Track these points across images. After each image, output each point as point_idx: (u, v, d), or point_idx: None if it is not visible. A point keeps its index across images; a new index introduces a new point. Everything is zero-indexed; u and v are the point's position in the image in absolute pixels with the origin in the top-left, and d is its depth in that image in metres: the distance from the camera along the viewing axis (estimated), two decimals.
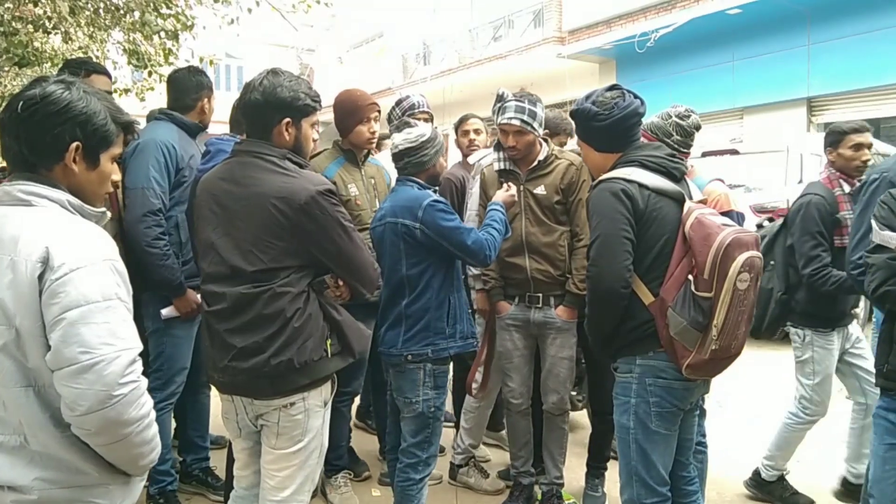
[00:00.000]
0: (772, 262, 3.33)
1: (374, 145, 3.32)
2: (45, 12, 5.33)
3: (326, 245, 2.07)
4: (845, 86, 9.45)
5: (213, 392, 2.76)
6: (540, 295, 3.12)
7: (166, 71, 5.24)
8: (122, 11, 5.58)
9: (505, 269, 3.18)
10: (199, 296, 2.71)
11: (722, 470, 3.59)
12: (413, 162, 2.70)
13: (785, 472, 3.41)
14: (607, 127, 2.28)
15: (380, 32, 19.22)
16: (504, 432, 3.80)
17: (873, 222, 2.18)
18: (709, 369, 2.19)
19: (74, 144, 1.48)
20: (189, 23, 5.95)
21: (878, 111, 9.62)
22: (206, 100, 3.28)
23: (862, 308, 5.66)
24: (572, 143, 3.63)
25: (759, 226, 5.97)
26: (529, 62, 13.54)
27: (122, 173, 2.73)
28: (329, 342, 2.11)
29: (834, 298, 3.15)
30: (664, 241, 2.20)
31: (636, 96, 2.32)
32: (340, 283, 2.23)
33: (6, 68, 7.11)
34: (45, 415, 1.41)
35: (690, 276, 2.13)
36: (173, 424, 3.50)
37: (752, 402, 4.85)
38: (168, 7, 5.63)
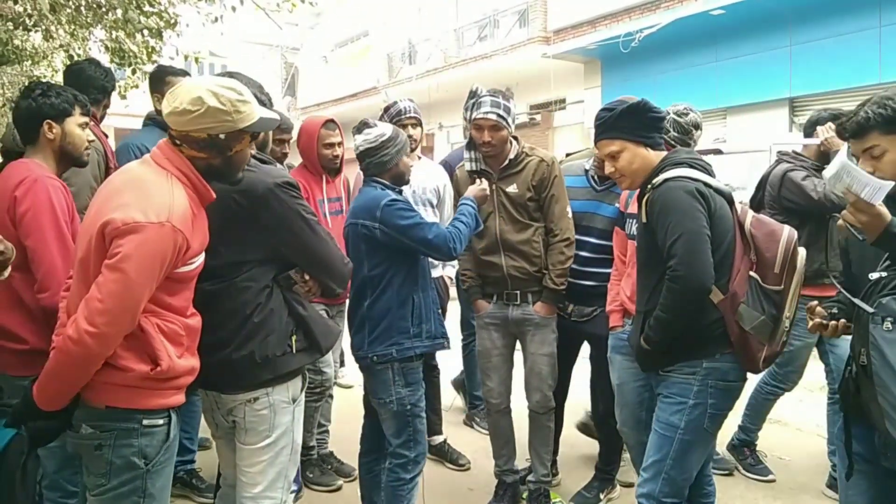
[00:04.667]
0: None
1: None
2: (25, 9, 5.27)
3: (287, 237, 2.08)
4: (826, 86, 9.53)
5: None
6: (517, 292, 3.13)
7: (150, 69, 5.20)
8: (104, 9, 5.52)
9: (481, 267, 3.19)
10: None
11: None
12: (374, 162, 2.67)
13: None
14: (662, 120, 2.38)
15: (365, 31, 19.14)
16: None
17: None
18: (774, 361, 2.31)
19: None
20: (172, 21, 5.90)
21: None
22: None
23: None
24: None
25: None
26: (514, 62, 13.54)
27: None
28: (294, 338, 2.11)
29: None
30: (729, 239, 2.24)
31: None
32: (307, 277, 2.22)
33: None
34: None
35: (752, 273, 2.23)
36: None
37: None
38: (151, 5, 5.58)
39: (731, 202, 2.31)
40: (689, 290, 2.14)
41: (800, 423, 4.42)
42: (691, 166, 2.27)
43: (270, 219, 2.04)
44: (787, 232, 2.24)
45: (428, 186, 3.74)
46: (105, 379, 1.76)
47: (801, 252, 2.23)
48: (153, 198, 1.76)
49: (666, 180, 2.24)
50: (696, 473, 2.39)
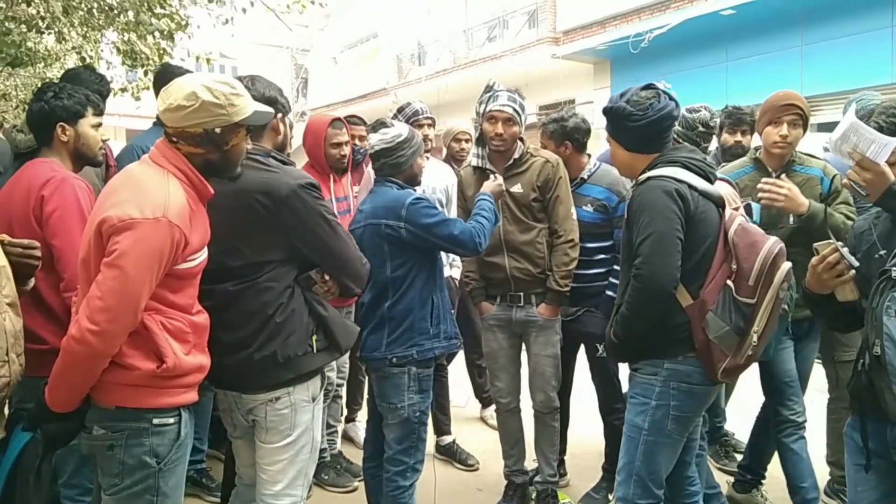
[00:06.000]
0: None
1: (782, 151, 2.94)
2: (38, 12, 5.31)
3: (309, 238, 2.10)
4: (838, 86, 9.47)
5: None
6: (521, 294, 3.13)
7: None
8: (115, 11, 5.55)
9: (485, 268, 3.19)
10: None
11: None
12: (389, 163, 2.66)
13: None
14: (641, 128, 2.27)
15: (374, 33, 19.19)
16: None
17: None
18: (738, 373, 2.25)
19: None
20: (183, 22, 5.94)
21: None
22: None
23: None
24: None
25: None
26: (524, 63, 13.54)
27: None
28: (314, 338, 2.13)
29: None
30: (708, 245, 2.21)
31: (671, 98, 2.31)
32: (327, 277, 2.25)
33: None
34: None
35: (729, 282, 2.16)
36: None
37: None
38: (162, 7, 5.61)
39: (721, 207, 2.28)
40: (649, 291, 2.15)
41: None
42: (685, 166, 2.25)
43: (293, 220, 2.06)
44: (770, 244, 2.15)
45: (438, 186, 3.76)
46: (113, 379, 1.77)
47: (784, 268, 2.13)
48: (149, 195, 1.76)
49: (649, 178, 2.24)
50: (678, 474, 2.40)
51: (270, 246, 2.07)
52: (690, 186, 2.20)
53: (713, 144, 3.72)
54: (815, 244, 1.98)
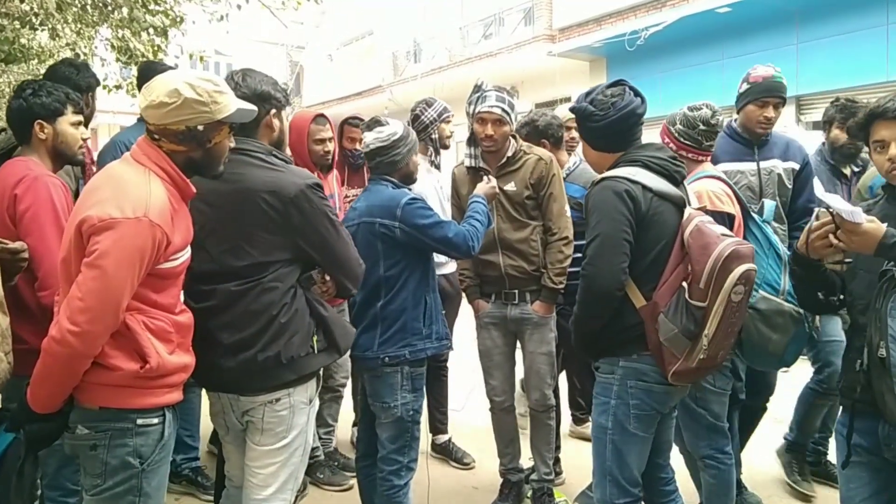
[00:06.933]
0: None
1: None
2: (31, 8, 5.28)
3: (313, 237, 2.09)
4: (833, 84, 9.49)
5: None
6: (515, 291, 3.13)
7: None
8: (109, 8, 5.53)
9: (480, 266, 3.19)
10: None
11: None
12: (385, 161, 2.64)
13: None
14: (603, 128, 2.27)
15: (370, 30, 19.15)
16: None
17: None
18: (694, 377, 2.21)
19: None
20: (178, 19, 5.92)
21: None
22: None
23: None
24: None
25: None
26: (520, 60, 13.54)
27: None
28: (315, 338, 2.12)
29: None
30: (662, 246, 2.19)
31: (637, 93, 2.29)
32: (327, 278, 2.25)
33: None
34: None
35: (684, 284, 2.13)
36: None
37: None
38: (157, 3, 5.59)
39: (681, 207, 2.25)
40: (592, 292, 2.18)
41: None
42: (646, 165, 2.23)
43: (300, 220, 2.06)
44: (722, 247, 2.06)
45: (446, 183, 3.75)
46: (96, 379, 1.76)
47: (737, 271, 2.04)
48: (129, 194, 1.74)
49: (603, 179, 2.24)
50: (651, 475, 2.40)
51: (277, 246, 2.06)
52: (644, 187, 2.18)
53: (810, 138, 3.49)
54: (817, 209, 1.94)
